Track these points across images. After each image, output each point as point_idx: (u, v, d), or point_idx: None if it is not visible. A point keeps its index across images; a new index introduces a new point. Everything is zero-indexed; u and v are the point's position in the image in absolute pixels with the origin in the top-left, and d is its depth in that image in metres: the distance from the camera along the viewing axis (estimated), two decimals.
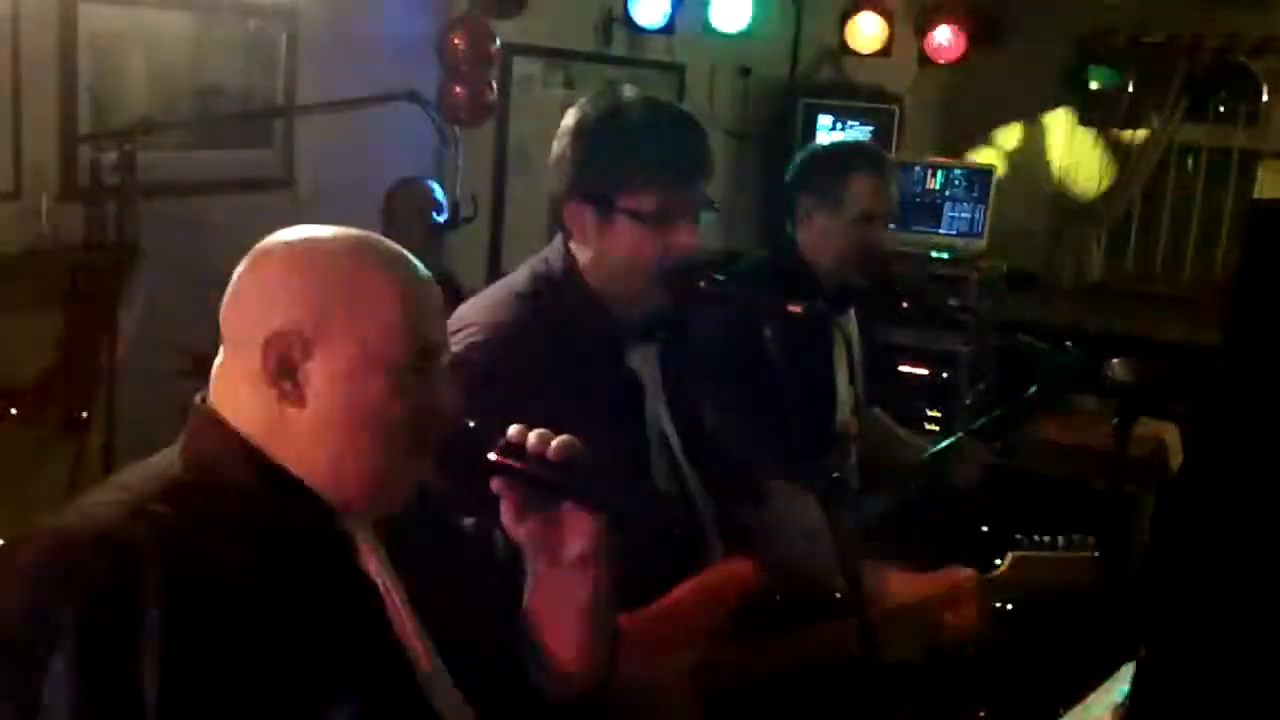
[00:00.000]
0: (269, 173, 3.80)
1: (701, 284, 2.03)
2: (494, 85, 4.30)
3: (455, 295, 2.37)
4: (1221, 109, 5.83)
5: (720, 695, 2.47)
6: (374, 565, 1.33)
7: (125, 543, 1.15)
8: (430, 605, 1.37)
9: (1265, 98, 5.62)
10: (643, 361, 1.96)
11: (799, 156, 2.89)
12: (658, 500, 1.40)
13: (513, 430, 1.32)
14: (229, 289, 1.31)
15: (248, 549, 1.22)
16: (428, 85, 3.93)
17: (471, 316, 1.91)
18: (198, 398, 1.32)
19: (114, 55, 3.26)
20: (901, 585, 2.16)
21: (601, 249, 1.88)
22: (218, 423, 1.28)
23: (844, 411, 2.85)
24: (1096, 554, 2.24)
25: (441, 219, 3.97)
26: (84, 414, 3.14)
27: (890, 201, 2.84)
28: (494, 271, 4.62)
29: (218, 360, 1.32)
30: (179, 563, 1.16)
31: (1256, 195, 5.64)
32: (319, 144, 3.86)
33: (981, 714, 3.71)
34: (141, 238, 3.15)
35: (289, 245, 1.30)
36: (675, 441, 1.99)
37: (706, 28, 5.32)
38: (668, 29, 5.10)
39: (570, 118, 1.91)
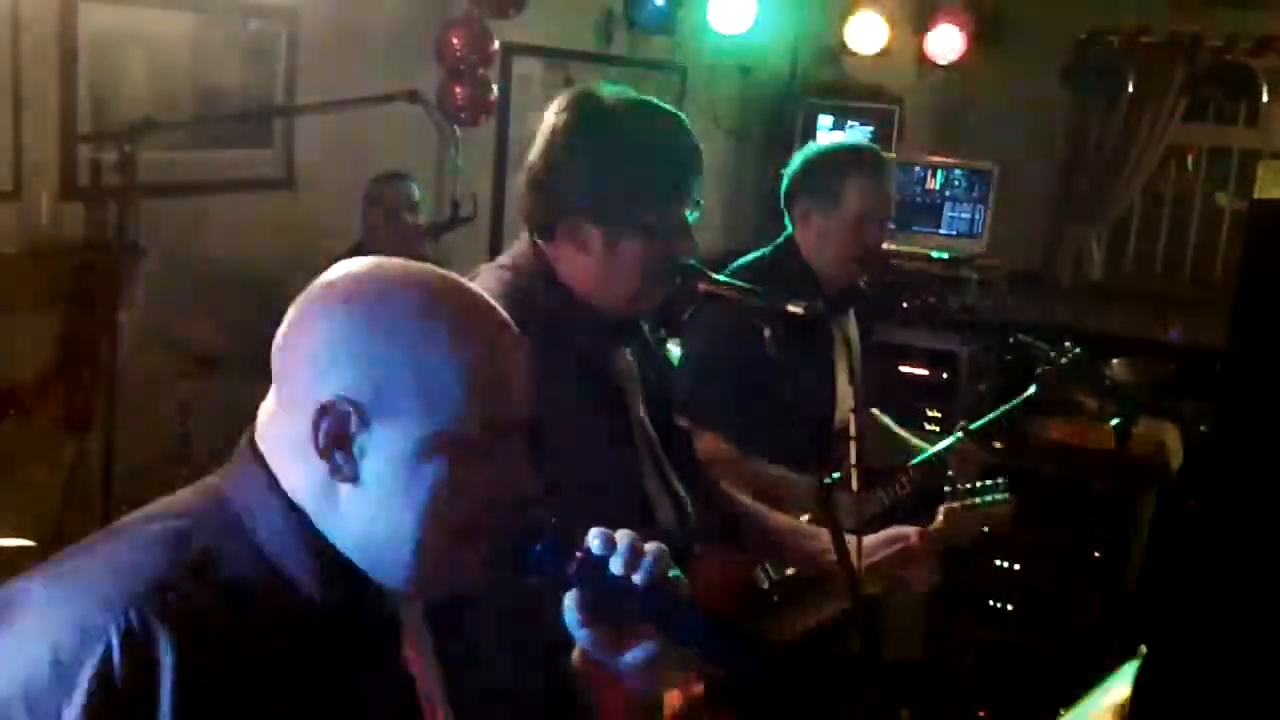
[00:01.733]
0: (269, 173, 3.80)
1: (701, 285, 2.03)
2: (494, 85, 4.30)
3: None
4: (1221, 109, 5.83)
5: (721, 696, 2.47)
6: (415, 656, 1.23)
7: (143, 622, 1.03)
8: (469, 700, 1.28)
9: (1265, 98, 5.61)
10: (624, 367, 1.93)
11: (796, 157, 2.90)
12: (750, 647, 1.21)
13: (593, 542, 1.19)
14: (283, 325, 1.16)
15: (280, 632, 1.11)
16: (428, 85, 3.93)
17: None
18: (245, 437, 1.18)
19: (114, 55, 3.26)
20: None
21: (606, 262, 1.81)
22: (266, 481, 1.15)
23: (843, 411, 2.85)
24: (1009, 495, 2.49)
25: (418, 219, 3.94)
26: (84, 414, 3.14)
27: (887, 202, 2.85)
28: None
29: (268, 399, 1.18)
30: (201, 645, 1.05)
31: (1256, 195, 5.64)
32: (319, 144, 3.86)
33: (981, 714, 3.72)
34: (141, 238, 3.15)
35: (355, 293, 1.14)
36: (657, 443, 1.96)
37: (706, 28, 5.32)
38: (668, 29, 5.10)
39: (557, 120, 1.81)
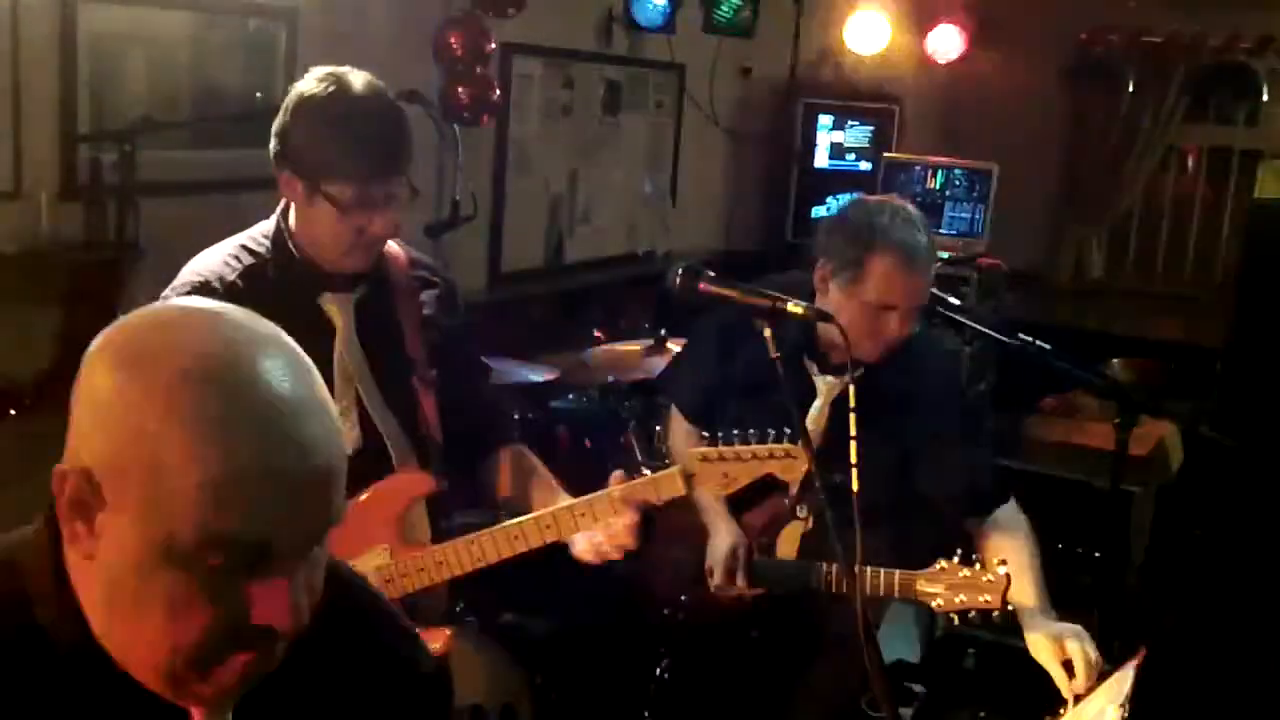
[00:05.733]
0: (269, 173, 3.79)
1: (702, 285, 2.04)
2: (495, 84, 4.30)
3: (454, 299, 2.39)
4: (1221, 109, 5.84)
5: (722, 699, 2.47)
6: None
7: None
8: None
9: (1265, 98, 5.62)
10: (337, 308, 2.16)
11: (834, 208, 2.58)
12: None
13: None
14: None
15: (34, 689, 1.04)
16: (428, 85, 3.93)
17: (186, 268, 2.20)
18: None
19: (114, 55, 3.25)
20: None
21: (304, 214, 2.12)
22: (47, 535, 1.08)
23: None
24: (794, 452, 1.96)
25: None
26: None
27: (915, 295, 2.41)
28: (494, 270, 4.61)
29: None
30: None
31: (1256, 195, 5.64)
32: None
33: (981, 714, 3.71)
34: (141, 238, 3.15)
35: (121, 354, 1.02)
36: (365, 377, 2.18)
37: (706, 28, 5.32)
38: (668, 29, 5.10)
39: (294, 92, 2.12)
